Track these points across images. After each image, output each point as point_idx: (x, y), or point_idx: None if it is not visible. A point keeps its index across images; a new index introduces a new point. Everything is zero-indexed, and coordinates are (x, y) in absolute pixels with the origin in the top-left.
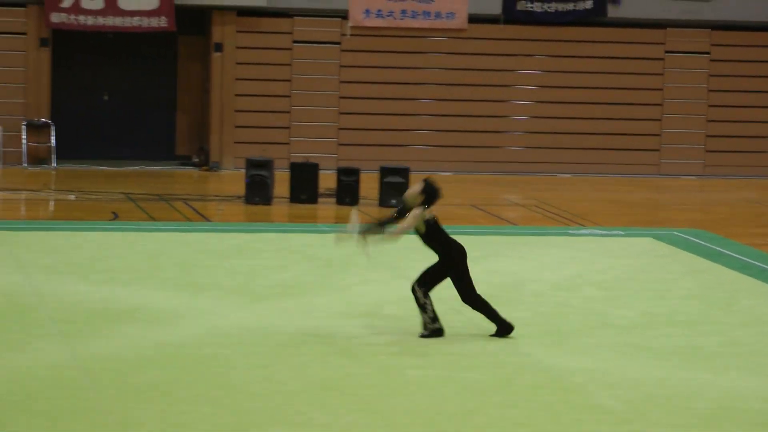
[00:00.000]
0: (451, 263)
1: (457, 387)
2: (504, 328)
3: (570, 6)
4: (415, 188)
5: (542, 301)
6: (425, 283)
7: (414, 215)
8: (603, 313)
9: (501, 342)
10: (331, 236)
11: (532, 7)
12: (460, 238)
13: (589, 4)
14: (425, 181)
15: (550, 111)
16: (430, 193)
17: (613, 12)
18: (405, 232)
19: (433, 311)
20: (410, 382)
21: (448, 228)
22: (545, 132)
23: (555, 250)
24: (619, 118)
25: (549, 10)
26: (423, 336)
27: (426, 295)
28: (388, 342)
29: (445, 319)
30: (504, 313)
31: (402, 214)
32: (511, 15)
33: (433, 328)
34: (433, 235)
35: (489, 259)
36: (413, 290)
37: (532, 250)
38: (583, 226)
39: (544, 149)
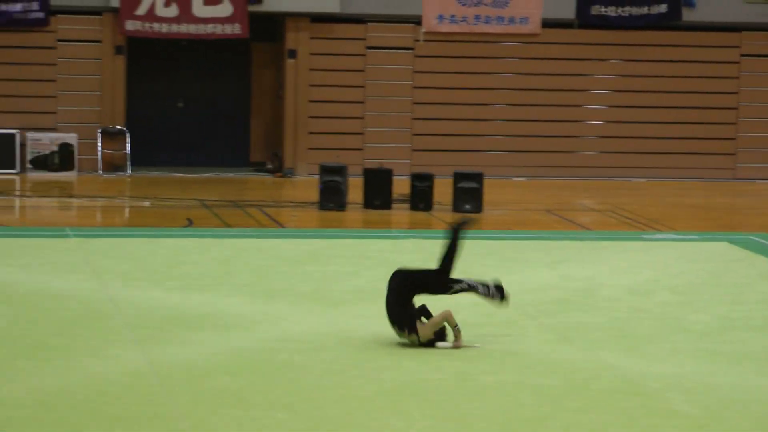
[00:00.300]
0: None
1: (532, 392)
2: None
3: (644, 10)
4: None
5: (617, 306)
6: (447, 282)
7: (440, 318)
8: (678, 318)
9: (576, 347)
10: (404, 242)
11: (606, 12)
12: (534, 244)
13: (663, 8)
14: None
15: (624, 115)
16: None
17: (687, 15)
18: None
19: (476, 281)
20: (485, 387)
21: (521, 234)
22: (619, 136)
23: (630, 254)
24: (694, 122)
25: (623, 14)
26: (497, 298)
27: (459, 281)
28: (462, 347)
29: (520, 325)
30: (578, 318)
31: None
32: (585, 19)
33: (493, 289)
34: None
35: (563, 265)
36: (453, 291)
37: (606, 255)
38: (658, 230)
39: (618, 153)
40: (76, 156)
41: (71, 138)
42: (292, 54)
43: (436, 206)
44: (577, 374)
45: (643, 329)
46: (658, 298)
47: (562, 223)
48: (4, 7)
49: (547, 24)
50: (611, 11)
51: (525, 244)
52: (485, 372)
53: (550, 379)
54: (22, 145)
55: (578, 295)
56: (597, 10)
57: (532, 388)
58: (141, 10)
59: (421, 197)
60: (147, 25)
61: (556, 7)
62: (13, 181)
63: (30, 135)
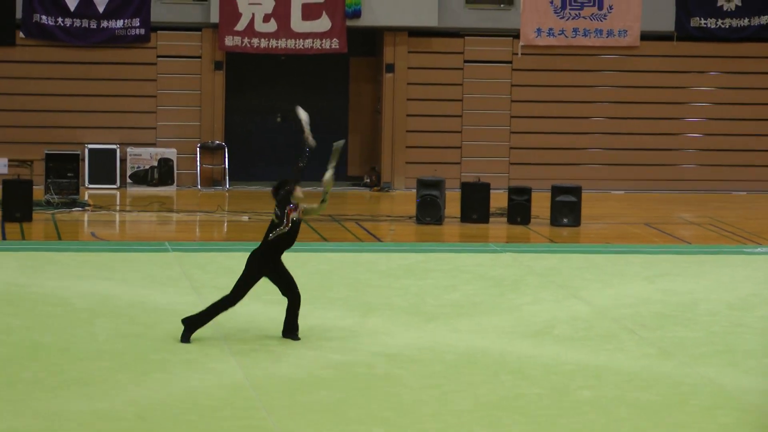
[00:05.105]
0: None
1: (630, 407)
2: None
3: (745, 22)
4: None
5: (717, 321)
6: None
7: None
8: None
9: (675, 362)
10: (502, 256)
11: (706, 24)
12: (633, 257)
13: (764, 20)
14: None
15: (724, 128)
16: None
17: None
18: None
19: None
20: (583, 401)
21: (619, 247)
22: (719, 149)
23: (730, 269)
24: None
25: (723, 26)
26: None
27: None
28: (560, 362)
29: (619, 339)
30: (678, 332)
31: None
32: (684, 31)
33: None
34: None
35: (663, 279)
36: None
37: (706, 269)
38: (759, 244)
39: (718, 167)
40: (176, 171)
41: (171, 153)
42: (390, 68)
43: (533, 220)
44: (677, 389)
45: (743, 344)
46: (758, 313)
47: (661, 236)
48: (105, 23)
49: (646, 37)
50: (711, 23)
51: (624, 257)
52: (583, 386)
53: (648, 394)
54: (123, 161)
55: (678, 309)
56: (697, 22)
57: (631, 403)
58: (240, 26)
59: (518, 211)
60: (246, 40)
61: (655, 19)
62: (113, 196)
63: (130, 150)
